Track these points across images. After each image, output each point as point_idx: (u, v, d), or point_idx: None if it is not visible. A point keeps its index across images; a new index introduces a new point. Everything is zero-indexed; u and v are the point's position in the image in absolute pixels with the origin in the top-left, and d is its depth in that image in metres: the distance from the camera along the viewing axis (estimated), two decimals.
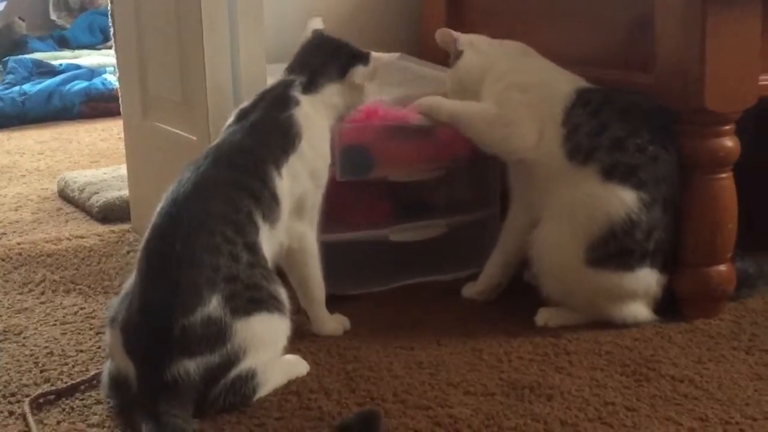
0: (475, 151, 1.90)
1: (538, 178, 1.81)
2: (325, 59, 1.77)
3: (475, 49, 1.94)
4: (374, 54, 1.79)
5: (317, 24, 1.84)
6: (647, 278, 1.75)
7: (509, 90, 1.85)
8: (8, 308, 1.96)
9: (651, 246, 1.74)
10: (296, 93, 1.71)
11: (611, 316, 1.76)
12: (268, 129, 1.66)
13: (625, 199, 1.72)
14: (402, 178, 1.96)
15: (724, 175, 1.76)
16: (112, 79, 4.20)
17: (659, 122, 1.77)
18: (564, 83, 1.83)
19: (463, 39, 1.96)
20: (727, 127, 1.75)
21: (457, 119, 1.86)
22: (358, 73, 1.76)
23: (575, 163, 1.75)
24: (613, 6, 1.93)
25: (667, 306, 1.78)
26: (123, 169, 2.64)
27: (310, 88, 1.73)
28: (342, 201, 1.87)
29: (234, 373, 1.46)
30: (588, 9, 1.99)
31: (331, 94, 1.75)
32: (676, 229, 1.76)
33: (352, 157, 1.87)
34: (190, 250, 1.46)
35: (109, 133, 3.75)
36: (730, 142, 1.75)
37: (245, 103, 1.74)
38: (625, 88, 1.82)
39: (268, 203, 1.58)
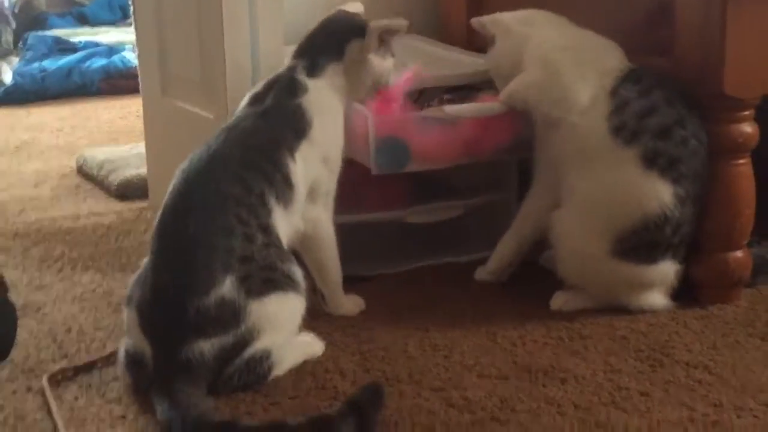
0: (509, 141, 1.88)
1: (573, 152, 1.76)
2: (323, 39, 1.73)
3: (504, 29, 1.88)
4: (372, 23, 1.72)
5: (355, 7, 1.81)
6: (667, 269, 1.74)
7: (554, 52, 1.80)
8: (27, 284, 1.98)
9: (677, 240, 1.72)
10: (302, 78, 1.69)
11: (628, 304, 1.76)
12: (279, 116, 1.65)
13: (662, 194, 1.69)
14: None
15: (742, 161, 1.75)
16: (130, 56, 4.20)
17: (698, 115, 1.73)
18: (613, 52, 1.79)
19: (488, 20, 1.90)
20: (746, 113, 1.74)
21: (513, 98, 1.83)
22: (353, 48, 1.71)
23: (619, 142, 1.71)
24: None
25: (682, 291, 1.77)
26: (141, 147, 2.64)
27: (313, 71, 1.70)
28: (358, 182, 1.86)
29: (248, 352, 1.47)
30: None
31: (334, 74, 1.71)
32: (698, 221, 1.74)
33: (389, 150, 1.82)
34: (203, 230, 1.47)
35: (127, 111, 3.76)
36: (749, 128, 1.74)
37: (256, 88, 1.72)
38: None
39: (281, 186, 1.58)
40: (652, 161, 1.69)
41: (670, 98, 1.72)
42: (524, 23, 1.89)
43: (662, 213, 1.69)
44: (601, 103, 1.73)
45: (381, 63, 1.74)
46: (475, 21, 1.94)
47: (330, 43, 1.72)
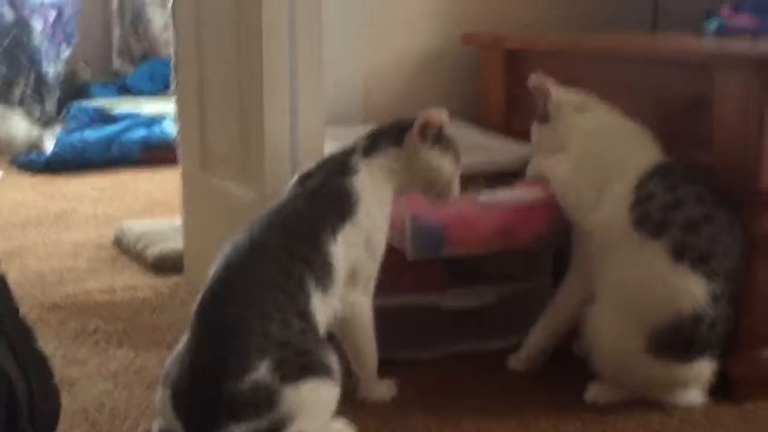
0: (545, 229, 1.89)
1: (600, 244, 1.77)
2: (391, 126, 1.77)
3: (563, 115, 1.90)
4: (422, 113, 1.73)
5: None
6: (703, 368, 1.72)
7: (583, 157, 1.85)
8: (62, 358, 1.99)
9: (713, 339, 1.70)
10: (356, 159, 1.71)
11: (663, 400, 1.74)
12: (326, 195, 1.67)
13: (695, 291, 1.67)
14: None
15: None
16: (171, 127, 4.26)
17: (732, 213, 1.73)
18: (645, 152, 1.80)
19: (556, 100, 1.91)
20: None
21: (539, 177, 1.89)
22: (410, 137, 1.73)
23: (643, 234, 1.71)
24: (673, 84, 1.93)
25: (717, 386, 1.75)
26: (178, 221, 2.67)
27: (369, 151, 1.73)
28: (393, 265, 1.87)
29: None
30: (649, 85, 1.99)
31: (391, 160, 1.73)
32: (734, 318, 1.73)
33: (424, 235, 1.83)
34: (241, 316, 1.48)
35: (165, 182, 3.80)
36: None
37: (307, 167, 1.75)
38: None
39: (321, 270, 1.59)
40: (681, 254, 1.68)
41: (699, 195, 1.72)
42: (577, 110, 1.91)
43: (696, 311, 1.67)
44: (624, 197, 1.74)
45: (432, 156, 1.74)
46: (538, 82, 1.94)
47: (392, 130, 1.76)
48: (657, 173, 1.75)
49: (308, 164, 1.77)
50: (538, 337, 1.92)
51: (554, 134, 1.91)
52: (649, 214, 1.71)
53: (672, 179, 1.74)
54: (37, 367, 1.50)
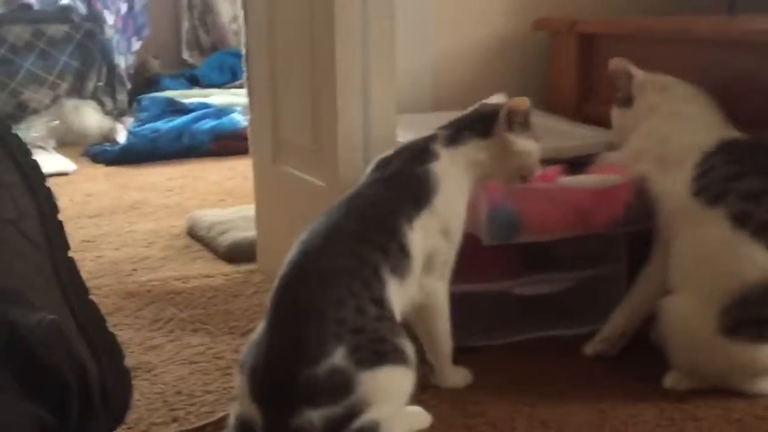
0: (621, 214, 1.87)
1: (669, 225, 1.77)
2: (474, 116, 1.77)
3: (646, 96, 1.90)
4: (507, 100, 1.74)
5: (500, 98, 1.80)
6: None
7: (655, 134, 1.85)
8: (139, 345, 2.02)
9: None
10: (437, 146, 1.71)
11: (743, 388, 1.70)
12: (403, 182, 1.67)
13: (758, 259, 1.64)
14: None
15: None
16: (239, 117, 4.30)
17: None
18: (712, 129, 1.79)
19: (639, 81, 1.91)
20: None
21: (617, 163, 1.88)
22: (497, 127, 1.73)
23: (701, 201, 1.70)
24: (750, 66, 1.90)
25: None
26: (249, 210, 2.69)
27: (452, 141, 1.72)
28: (468, 251, 1.86)
29: (357, 424, 1.47)
30: (725, 68, 1.96)
31: (475, 150, 1.73)
32: None
33: (500, 221, 1.83)
34: (316, 302, 1.48)
35: (235, 172, 3.84)
36: None
37: (386, 153, 1.75)
38: None
39: (397, 257, 1.59)
40: (741, 221, 1.65)
41: (763, 169, 1.69)
42: (660, 90, 1.90)
43: (763, 282, 1.63)
44: (685, 173, 1.74)
45: (522, 143, 1.73)
46: (620, 65, 1.93)
47: (476, 121, 1.75)
48: (721, 149, 1.74)
49: (384, 151, 1.77)
50: (617, 321, 1.89)
51: (635, 117, 1.89)
52: (709, 185, 1.71)
53: (735, 154, 1.73)
54: (109, 350, 1.52)
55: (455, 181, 1.71)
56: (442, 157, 1.70)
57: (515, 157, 1.74)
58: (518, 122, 1.73)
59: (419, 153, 1.71)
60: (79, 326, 1.49)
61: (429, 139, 1.73)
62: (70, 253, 1.55)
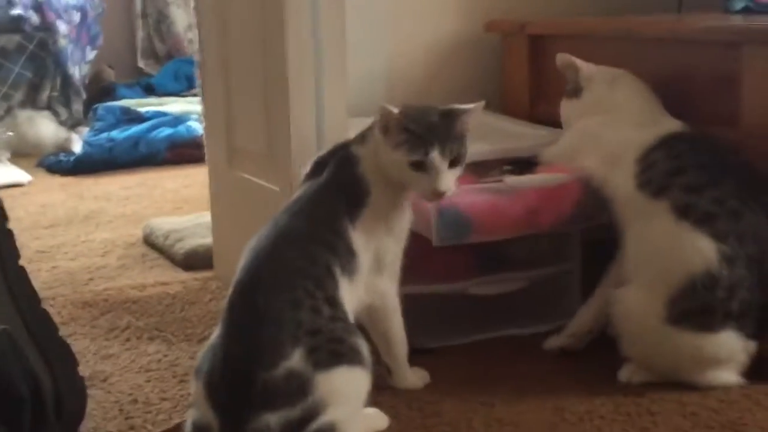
0: (570, 212, 1.89)
1: (617, 211, 1.79)
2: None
3: (594, 87, 1.93)
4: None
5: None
6: (731, 343, 1.69)
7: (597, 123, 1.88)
8: (95, 354, 2.01)
9: (735, 307, 1.68)
10: (359, 148, 1.70)
11: (696, 380, 1.72)
12: (340, 184, 1.67)
13: (702, 248, 1.67)
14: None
15: None
16: (195, 125, 4.29)
17: (747, 180, 1.73)
18: (652, 126, 1.82)
19: (586, 73, 1.94)
20: None
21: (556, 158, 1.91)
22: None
23: (646, 194, 1.73)
24: (699, 63, 1.92)
25: (759, 368, 1.73)
26: (206, 217, 2.68)
27: (364, 140, 1.70)
28: (421, 253, 1.87)
29: (314, 426, 1.46)
30: (674, 65, 1.98)
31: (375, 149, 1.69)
32: (765, 290, 1.71)
33: (450, 222, 1.83)
34: (271, 304, 1.48)
35: (192, 180, 3.82)
36: None
37: (321, 153, 1.75)
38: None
39: (345, 256, 1.59)
40: (684, 212, 1.69)
41: (704, 163, 1.73)
42: (609, 82, 1.93)
43: (708, 271, 1.66)
44: (629, 167, 1.77)
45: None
46: (566, 59, 1.96)
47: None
48: (663, 143, 1.77)
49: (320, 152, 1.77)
50: (584, 317, 1.91)
51: (583, 108, 1.91)
52: (651, 179, 1.74)
53: (677, 149, 1.76)
54: (62, 359, 1.51)
55: (384, 179, 1.69)
56: (364, 157, 1.69)
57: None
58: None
59: (348, 155, 1.70)
60: (31, 335, 1.48)
61: (353, 141, 1.73)
62: (22, 263, 1.54)
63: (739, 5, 2.22)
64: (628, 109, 1.89)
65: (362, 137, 1.72)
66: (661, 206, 1.71)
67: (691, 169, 1.73)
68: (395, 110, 1.63)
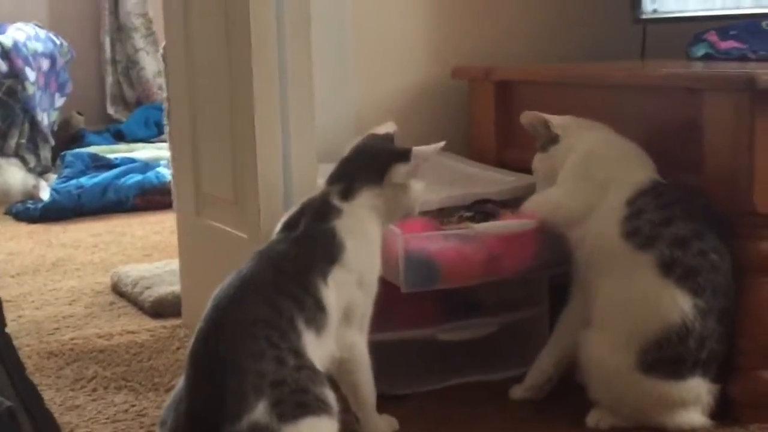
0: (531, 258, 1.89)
1: (591, 265, 1.78)
2: (363, 163, 1.74)
3: (569, 133, 1.91)
4: (415, 149, 1.72)
5: (387, 127, 1.81)
6: (698, 388, 1.71)
7: (578, 176, 1.86)
8: (60, 405, 1.98)
9: (703, 356, 1.70)
10: (336, 202, 1.69)
11: (663, 423, 1.73)
12: (312, 240, 1.65)
13: (681, 304, 1.68)
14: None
15: None
16: (165, 172, 4.28)
17: (720, 230, 1.74)
18: (640, 170, 1.82)
19: (557, 122, 1.93)
20: None
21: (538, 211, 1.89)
22: (398, 172, 1.71)
23: (632, 246, 1.72)
24: (662, 109, 1.94)
25: (723, 410, 1.74)
26: (174, 264, 2.67)
27: (347, 195, 1.70)
28: (389, 299, 1.86)
29: None
30: (638, 111, 2.00)
31: (372, 197, 1.70)
32: (729, 339, 1.73)
33: (418, 268, 1.82)
34: (234, 355, 1.47)
35: (162, 226, 3.80)
36: None
37: (290, 212, 1.73)
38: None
39: (312, 311, 1.57)
40: (668, 268, 1.69)
41: (690, 213, 1.74)
42: (586, 128, 1.92)
43: (683, 324, 1.68)
44: (615, 210, 1.76)
45: (419, 187, 1.74)
46: (532, 116, 1.95)
47: (371, 168, 1.72)
48: (650, 190, 1.77)
49: (291, 209, 1.75)
50: (542, 364, 1.91)
51: (556, 159, 1.91)
52: (639, 228, 1.73)
53: (665, 198, 1.76)
54: (34, 396, 1.49)
55: (362, 234, 1.69)
56: (344, 211, 1.68)
57: (413, 200, 1.74)
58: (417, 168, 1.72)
59: (320, 211, 1.68)
60: (22, 405, 1.47)
61: (325, 195, 1.71)
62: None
63: (700, 52, 2.25)
64: (608, 153, 1.87)
65: (346, 191, 1.70)
66: (646, 259, 1.71)
67: (680, 219, 1.73)
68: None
